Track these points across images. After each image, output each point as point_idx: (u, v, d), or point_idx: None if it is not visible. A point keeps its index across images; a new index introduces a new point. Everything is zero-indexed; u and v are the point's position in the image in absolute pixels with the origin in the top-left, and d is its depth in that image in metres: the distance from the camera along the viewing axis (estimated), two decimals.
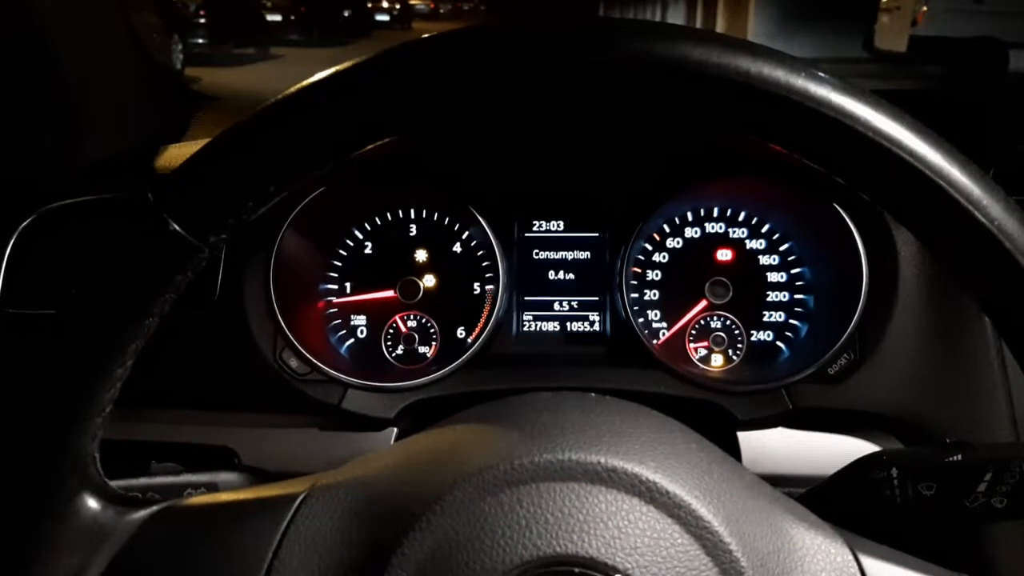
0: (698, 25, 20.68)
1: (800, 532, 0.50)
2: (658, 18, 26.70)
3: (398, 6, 31.09)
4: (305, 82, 0.48)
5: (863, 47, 12.68)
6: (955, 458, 0.62)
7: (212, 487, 0.87)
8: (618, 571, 0.45)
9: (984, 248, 0.46)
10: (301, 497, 0.52)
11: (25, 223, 0.99)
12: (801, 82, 0.45)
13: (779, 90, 0.45)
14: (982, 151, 0.94)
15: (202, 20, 12.38)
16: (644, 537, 0.46)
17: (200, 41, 12.33)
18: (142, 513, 0.53)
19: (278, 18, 17.05)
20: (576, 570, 0.45)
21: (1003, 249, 0.45)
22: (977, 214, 0.45)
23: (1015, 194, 0.92)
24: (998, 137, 0.99)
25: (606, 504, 0.47)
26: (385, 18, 28.65)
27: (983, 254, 0.46)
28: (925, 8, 10.83)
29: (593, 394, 0.58)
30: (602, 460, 0.48)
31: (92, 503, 0.52)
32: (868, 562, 0.50)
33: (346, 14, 21.73)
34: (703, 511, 0.47)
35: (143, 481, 0.77)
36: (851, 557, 0.50)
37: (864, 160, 0.46)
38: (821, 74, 0.46)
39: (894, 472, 0.63)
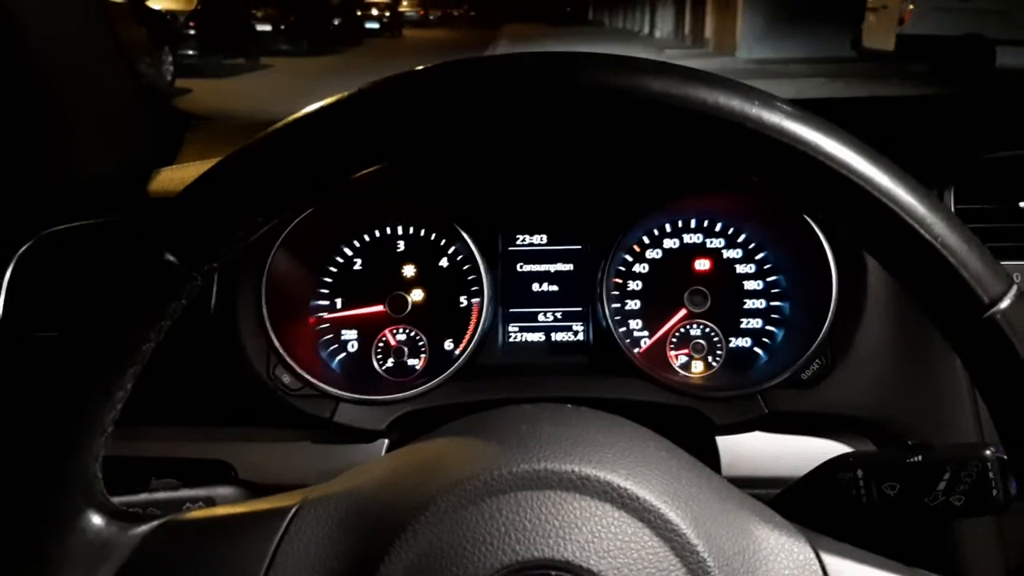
0: (687, 27, 20.79)
1: (765, 533, 0.53)
2: (647, 21, 26.71)
3: (388, 14, 30.98)
4: (290, 118, 0.51)
5: (851, 46, 12.72)
6: (916, 459, 0.65)
7: (210, 501, 0.89)
8: (592, 573, 0.47)
9: (929, 263, 0.48)
10: (293, 510, 0.54)
11: (23, 248, 1.01)
12: (755, 110, 0.48)
13: (734, 118, 0.48)
14: (945, 161, 0.98)
15: (191, 32, 12.36)
16: (616, 540, 0.48)
17: (190, 53, 12.30)
18: (143, 528, 0.55)
19: (268, 28, 16.94)
20: (553, 573, 0.47)
21: (947, 264, 0.48)
22: (921, 231, 0.48)
23: (979, 202, 0.96)
24: (963, 146, 1.02)
25: (580, 510, 0.49)
26: (375, 26, 28.50)
27: (928, 269, 0.49)
28: (912, 7, 10.88)
29: (569, 405, 0.61)
30: (576, 469, 0.51)
31: (95, 519, 0.54)
32: (829, 559, 0.52)
33: (336, 22, 21.68)
34: (671, 515, 0.50)
35: (143, 497, 0.80)
36: (813, 555, 0.52)
37: (815, 182, 0.48)
38: (776, 102, 0.49)
39: (859, 473, 0.66)
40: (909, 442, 0.66)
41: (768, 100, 0.49)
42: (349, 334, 1.11)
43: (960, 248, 0.48)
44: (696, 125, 0.48)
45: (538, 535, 0.48)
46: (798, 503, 0.71)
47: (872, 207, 0.48)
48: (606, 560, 0.48)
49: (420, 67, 0.50)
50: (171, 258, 0.51)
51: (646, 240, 1.10)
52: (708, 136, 0.49)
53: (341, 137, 0.50)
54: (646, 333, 1.10)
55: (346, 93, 0.50)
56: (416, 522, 0.49)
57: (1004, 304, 0.48)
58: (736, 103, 0.48)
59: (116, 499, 0.56)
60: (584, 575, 0.47)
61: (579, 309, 1.11)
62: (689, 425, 0.97)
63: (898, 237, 0.48)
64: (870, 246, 0.51)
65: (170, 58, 10.55)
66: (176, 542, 0.55)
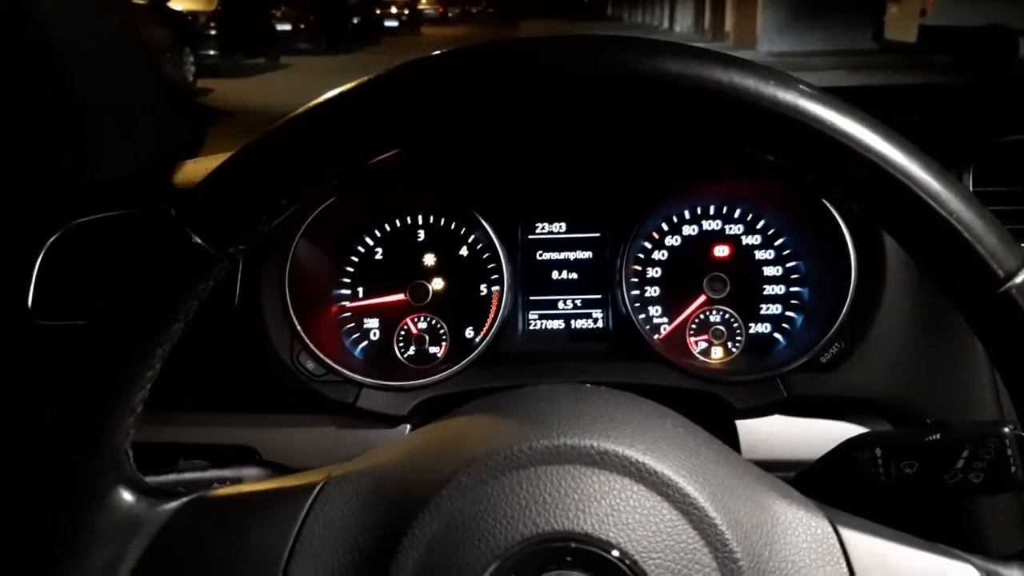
0: (707, 21, 20.70)
1: (783, 507, 0.53)
2: (667, 15, 26.59)
3: (407, 11, 31.05)
4: (312, 103, 0.52)
5: (873, 38, 12.60)
6: (934, 437, 0.65)
7: (237, 481, 0.89)
8: (612, 545, 0.48)
9: (944, 239, 0.49)
10: (319, 486, 0.56)
11: (53, 238, 1.03)
12: (771, 89, 0.49)
13: (749, 97, 0.48)
14: (964, 143, 0.98)
15: (212, 32, 12.45)
16: (635, 514, 0.49)
17: (211, 53, 12.39)
18: (173, 504, 0.57)
19: (287, 27, 17.02)
20: (572, 545, 0.48)
21: (962, 239, 0.49)
22: (936, 206, 0.48)
23: (999, 184, 0.96)
24: (982, 128, 1.01)
25: (599, 484, 0.50)
26: (394, 24, 28.55)
27: (943, 244, 0.49)
28: None
29: (587, 385, 0.62)
30: (595, 444, 0.51)
31: (127, 496, 0.55)
32: (847, 533, 0.53)
33: (355, 21, 21.75)
34: (689, 488, 0.50)
35: (172, 477, 0.81)
36: (831, 529, 0.53)
37: (830, 160, 0.49)
38: (791, 81, 0.49)
39: (878, 452, 0.67)
40: (927, 420, 0.66)
41: (783, 79, 0.49)
42: (371, 322, 1.12)
43: (975, 223, 0.49)
44: (712, 105, 0.49)
45: (558, 508, 0.49)
46: (817, 482, 0.71)
47: (887, 184, 0.48)
48: (625, 533, 0.48)
49: (438, 52, 0.51)
50: (198, 240, 0.52)
51: (665, 227, 1.10)
52: (724, 116, 0.50)
53: (363, 120, 0.51)
54: (665, 320, 1.10)
55: (367, 77, 0.52)
56: (438, 497, 0.50)
57: (1020, 279, 0.49)
58: (751, 82, 0.48)
59: (147, 479, 0.58)
60: (603, 547, 0.48)
61: (598, 296, 1.11)
62: (709, 409, 0.97)
63: (913, 213, 0.49)
64: (885, 223, 0.52)
65: (191, 58, 10.62)
66: (204, 518, 0.56)
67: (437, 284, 1.11)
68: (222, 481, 0.86)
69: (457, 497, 0.50)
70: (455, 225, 1.11)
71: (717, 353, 1.09)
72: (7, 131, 1.04)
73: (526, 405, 0.57)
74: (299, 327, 1.00)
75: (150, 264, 0.54)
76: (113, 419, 0.54)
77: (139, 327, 0.53)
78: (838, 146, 0.48)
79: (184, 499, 0.57)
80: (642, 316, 1.09)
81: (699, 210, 1.10)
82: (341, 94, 0.51)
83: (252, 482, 0.61)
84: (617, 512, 0.49)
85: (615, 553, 0.48)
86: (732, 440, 0.97)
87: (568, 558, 0.48)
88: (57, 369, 0.54)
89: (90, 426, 0.53)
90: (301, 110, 0.52)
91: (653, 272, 1.10)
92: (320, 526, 0.53)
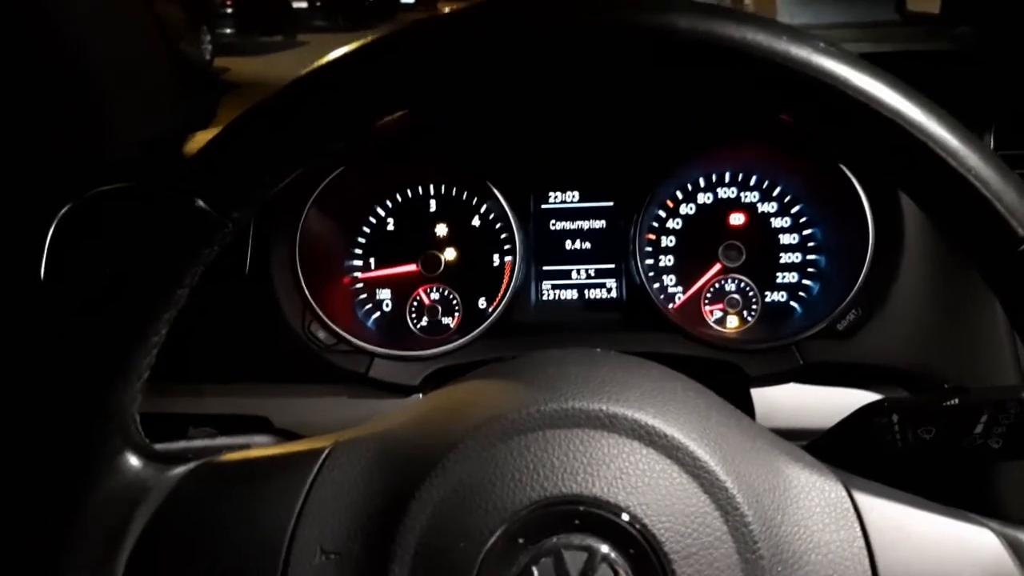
0: None
1: (795, 471, 0.52)
2: None
3: None
4: (315, 64, 0.51)
5: (895, 9, 12.39)
6: (952, 402, 0.63)
7: (245, 448, 0.90)
8: (621, 509, 0.47)
9: (963, 196, 0.48)
10: (326, 451, 0.55)
11: (64, 210, 1.03)
12: (784, 44, 0.47)
13: (762, 52, 0.47)
14: (984, 106, 0.95)
15: (229, 10, 12.47)
16: (644, 477, 0.48)
17: (228, 31, 12.41)
18: (181, 469, 0.56)
19: (303, 5, 16.98)
20: (581, 508, 0.48)
21: (981, 197, 0.47)
22: (954, 164, 0.47)
23: (1019, 147, 0.94)
24: (1002, 91, 0.99)
25: (608, 447, 0.49)
26: (410, 0, 28.43)
27: (962, 202, 0.48)
28: None
29: (598, 349, 0.61)
30: (604, 407, 0.51)
31: (134, 461, 0.55)
32: (861, 497, 0.52)
33: None
34: (700, 452, 0.49)
35: (181, 444, 0.81)
36: (845, 493, 0.52)
37: (845, 117, 0.48)
38: (806, 36, 0.48)
39: (895, 418, 0.65)
40: (945, 386, 0.65)
41: (796, 34, 0.48)
42: (383, 293, 1.12)
43: (994, 180, 0.47)
44: (724, 61, 0.48)
45: (566, 472, 0.49)
46: (832, 449, 0.70)
47: (903, 140, 0.47)
48: (635, 496, 0.48)
49: (449, 10, 0.51)
50: (202, 204, 0.51)
51: (679, 195, 1.09)
52: (736, 72, 0.48)
53: (362, 82, 0.50)
54: (680, 289, 1.09)
55: (366, 39, 0.51)
56: (446, 460, 0.50)
57: None
58: (763, 37, 0.47)
59: (155, 446, 0.58)
60: (612, 511, 0.47)
61: (612, 266, 1.10)
62: (724, 378, 0.96)
63: (930, 170, 0.47)
64: (901, 181, 0.50)
65: (208, 37, 10.62)
66: (212, 483, 0.56)
67: (449, 254, 1.11)
68: (231, 448, 0.87)
69: (465, 461, 0.50)
70: (467, 195, 1.10)
71: (732, 322, 1.08)
72: (24, 105, 1.05)
73: (535, 369, 0.57)
74: (310, 297, 1.00)
75: (155, 230, 0.53)
76: (120, 384, 0.53)
77: (145, 292, 0.53)
78: (853, 102, 0.47)
79: (192, 464, 0.57)
80: (656, 285, 1.08)
81: (714, 178, 1.08)
82: (343, 55, 0.51)
83: (260, 448, 0.60)
84: (626, 476, 0.48)
85: (624, 517, 0.47)
86: (747, 408, 0.96)
87: (576, 522, 0.47)
88: (65, 336, 0.53)
89: (97, 391, 0.53)
90: (304, 72, 0.51)
91: (667, 241, 1.09)
92: (327, 490, 0.53)
